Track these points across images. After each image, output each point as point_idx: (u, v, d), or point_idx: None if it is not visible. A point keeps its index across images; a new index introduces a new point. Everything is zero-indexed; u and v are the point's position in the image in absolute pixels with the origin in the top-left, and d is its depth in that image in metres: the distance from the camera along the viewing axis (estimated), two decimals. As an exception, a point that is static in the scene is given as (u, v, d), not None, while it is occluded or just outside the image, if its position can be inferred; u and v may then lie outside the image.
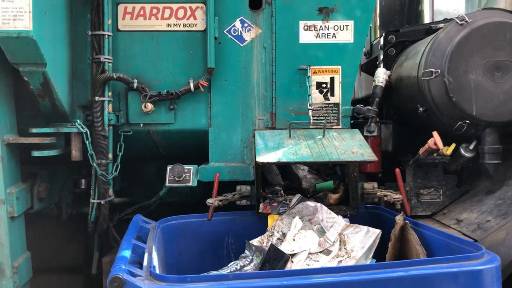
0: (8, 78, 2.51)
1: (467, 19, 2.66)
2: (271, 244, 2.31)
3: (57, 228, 3.37)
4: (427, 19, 4.57)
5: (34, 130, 2.54)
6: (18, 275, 2.56)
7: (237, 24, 2.77)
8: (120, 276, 1.62)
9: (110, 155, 2.74)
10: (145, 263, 1.93)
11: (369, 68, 3.96)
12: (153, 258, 1.94)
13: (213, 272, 2.45)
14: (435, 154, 2.82)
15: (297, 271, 1.84)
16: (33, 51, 2.29)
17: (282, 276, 1.71)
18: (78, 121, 2.62)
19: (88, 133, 2.61)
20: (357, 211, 2.72)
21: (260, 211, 2.69)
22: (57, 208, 3.04)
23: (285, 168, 2.98)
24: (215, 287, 1.64)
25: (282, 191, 2.84)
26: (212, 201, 2.58)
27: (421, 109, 2.84)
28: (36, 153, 2.55)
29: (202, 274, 2.21)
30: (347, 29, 2.77)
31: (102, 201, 2.73)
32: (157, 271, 1.81)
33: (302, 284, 1.67)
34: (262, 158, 2.39)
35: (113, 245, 3.06)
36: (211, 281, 1.68)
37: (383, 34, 3.56)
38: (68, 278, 3.56)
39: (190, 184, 2.78)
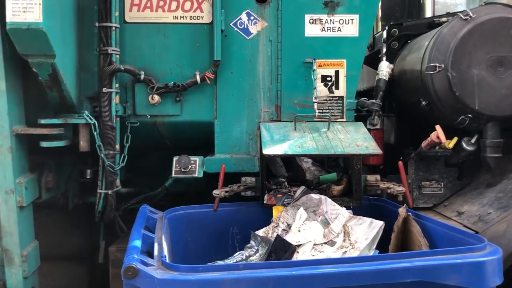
0: (17, 69, 2.53)
1: (471, 14, 2.70)
2: (277, 235, 2.36)
3: (61, 217, 3.41)
4: (428, 12, 4.60)
5: (43, 121, 2.57)
6: (27, 263, 2.60)
7: (243, 17, 2.79)
8: (134, 266, 1.67)
9: (117, 146, 2.77)
10: (155, 252, 1.97)
11: (372, 61, 3.98)
12: (164, 248, 1.98)
13: (219, 262, 2.50)
14: (437, 148, 2.87)
15: (305, 261, 1.90)
16: (43, 42, 2.31)
17: (291, 266, 1.76)
18: (86, 112, 2.65)
19: (96, 124, 2.64)
20: (360, 202, 2.77)
21: (265, 202, 2.74)
22: (63, 198, 3.07)
23: (289, 160, 3.02)
24: (226, 276, 1.69)
25: (286, 183, 2.89)
26: (218, 192, 2.63)
27: (424, 102, 2.88)
28: (44, 144, 2.58)
29: (213, 264, 2.26)
30: (352, 23, 2.80)
31: (110, 191, 2.76)
32: (167, 261, 1.86)
33: (311, 274, 1.72)
34: (268, 150, 2.43)
35: (120, 234, 3.10)
36: (222, 271, 1.72)
37: (386, 27, 3.59)
38: (73, 267, 3.61)
39: (196, 175, 2.81)
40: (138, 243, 1.98)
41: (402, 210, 2.44)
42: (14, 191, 2.50)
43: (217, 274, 1.69)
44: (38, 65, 2.41)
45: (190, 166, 2.82)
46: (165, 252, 1.95)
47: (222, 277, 1.68)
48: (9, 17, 2.23)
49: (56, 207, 3.08)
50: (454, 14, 3.25)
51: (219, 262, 2.50)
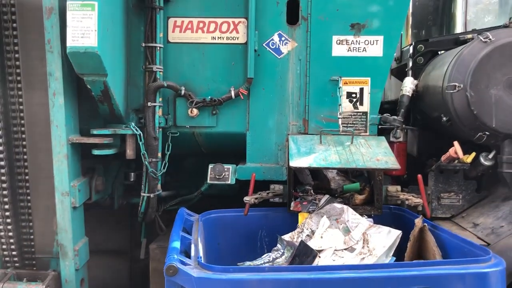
0: (72, 86, 2.85)
1: (490, 37, 2.84)
2: (301, 241, 2.59)
3: (104, 216, 3.74)
4: (459, 24, 4.69)
5: (95, 132, 2.88)
6: (78, 257, 2.92)
7: (275, 38, 3.03)
8: (175, 265, 1.94)
9: (159, 154, 3.06)
10: (192, 253, 2.24)
11: (398, 73, 4.15)
12: (199, 249, 2.25)
13: (248, 262, 2.75)
14: (455, 162, 3.04)
15: (324, 267, 2.13)
16: (97, 63, 2.61)
17: (311, 270, 2.00)
18: (133, 124, 2.95)
19: (141, 134, 2.94)
20: (380, 211, 2.96)
21: (291, 208, 2.97)
22: (110, 198, 3.40)
23: (315, 169, 3.24)
24: (253, 277, 1.94)
25: (312, 191, 3.12)
26: (248, 199, 2.88)
27: (444, 118, 3.04)
28: (96, 152, 2.89)
29: (241, 266, 2.51)
30: (377, 44, 2.99)
31: (152, 195, 3.06)
32: (203, 261, 2.13)
33: (328, 278, 1.95)
34: (295, 163, 2.67)
35: (159, 233, 3.40)
36: (249, 272, 1.98)
37: (413, 43, 3.75)
38: (114, 261, 3.94)
39: (229, 182, 3.08)
40: (177, 244, 2.26)
41: (418, 221, 2.62)
42: (69, 193, 2.82)
43: (245, 275, 1.95)
44: (92, 82, 2.72)
45: (223, 173, 3.08)
46: (201, 253, 2.22)
47: (249, 278, 1.93)
48: (69, 42, 2.54)
49: (102, 207, 3.40)
50: (480, 30, 3.40)
51: (248, 263, 2.75)
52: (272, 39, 3.03)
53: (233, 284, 1.93)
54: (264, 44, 3.03)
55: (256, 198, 2.91)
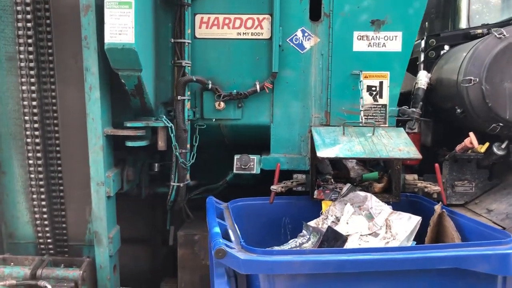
0: (107, 80, 2.96)
1: (504, 33, 3.00)
2: (329, 226, 2.74)
3: (129, 205, 3.86)
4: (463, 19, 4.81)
5: (128, 124, 3.00)
6: (112, 244, 3.06)
7: (299, 33, 3.15)
8: (223, 248, 2.09)
9: (188, 145, 3.20)
10: (232, 238, 2.38)
11: (409, 67, 4.29)
12: (239, 234, 2.40)
13: (275, 247, 2.91)
14: (469, 151, 3.20)
15: (359, 249, 2.29)
16: (133, 59, 2.72)
17: (348, 252, 2.16)
18: (164, 117, 3.07)
19: (172, 127, 3.06)
20: (399, 198, 3.12)
21: (314, 197, 3.13)
22: (137, 188, 3.53)
23: (334, 160, 3.39)
24: (296, 259, 2.08)
25: (332, 180, 3.28)
26: (276, 188, 3.03)
27: (458, 110, 3.20)
28: (129, 143, 3.01)
29: (283, 249, 2.67)
30: (396, 39, 3.13)
31: (181, 184, 3.20)
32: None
33: (364, 259, 2.10)
34: (322, 153, 2.81)
35: (186, 220, 3.55)
36: (292, 254, 2.13)
37: (424, 37, 3.90)
38: (138, 248, 4.08)
39: (254, 171, 3.22)
40: (217, 229, 2.40)
41: (438, 207, 2.79)
42: (104, 183, 2.95)
43: (288, 257, 2.09)
44: (127, 77, 2.83)
45: (249, 164, 3.22)
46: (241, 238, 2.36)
47: (293, 260, 2.07)
48: (107, 39, 2.65)
49: (130, 196, 3.53)
50: (489, 25, 3.55)
51: (275, 248, 2.91)
52: (296, 35, 3.16)
53: (277, 265, 2.07)
54: (287, 40, 3.16)
55: (282, 187, 3.06)
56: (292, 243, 2.93)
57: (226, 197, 3.13)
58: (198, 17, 3.17)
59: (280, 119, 3.24)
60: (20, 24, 2.81)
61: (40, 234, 3.09)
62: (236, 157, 3.23)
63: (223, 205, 3.05)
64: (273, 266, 2.07)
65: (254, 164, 3.23)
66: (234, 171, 3.23)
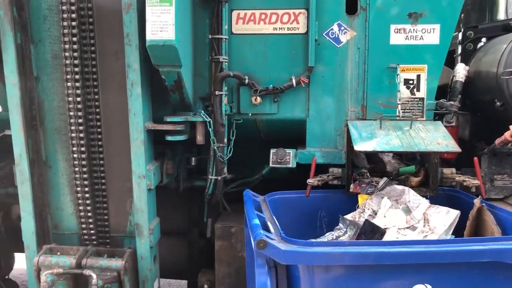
0: (147, 76, 3.05)
1: (546, 24, 2.93)
2: (366, 220, 2.76)
3: (166, 197, 3.96)
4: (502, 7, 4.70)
5: (168, 119, 3.09)
6: (152, 235, 3.16)
7: (335, 27, 3.16)
8: (264, 239, 2.13)
9: (226, 140, 3.26)
10: (271, 230, 2.43)
11: (446, 60, 4.23)
12: (278, 226, 2.44)
13: (312, 240, 2.93)
14: (510, 145, 3.15)
15: (399, 242, 2.30)
16: (173, 55, 2.79)
17: (387, 245, 2.17)
18: (203, 112, 3.15)
19: (211, 121, 3.13)
20: (436, 192, 3.10)
21: (350, 190, 3.14)
22: (176, 181, 3.62)
23: (370, 153, 3.39)
24: (335, 250, 2.11)
25: (368, 173, 3.28)
26: (312, 181, 3.06)
27: (498, 103, 3.14)
28: (169, 138, 3.10)
29: (322, 240, 2.70)
30: (433, 32, 3.10)
31: (219, 178, 3.27)
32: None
33: (404, 252, 2.11)
34: (359, 147, 2.82)
35: (223, 213, 3.62)
36: (331, 246, 2.16)
37: (461, 30, 3.84)
38: (176, 240, 4.17)
39: (290, 165, 3.25)
40: (257, 221, 2.44)
41: (477, 201, 2.76)
42: (145, 176, 3.05)
43: (328, 248, 2.13)
44: (167, 73, 2.91)
45: (285, 157, 3.26)
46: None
47: (332, 251, 2.11)
48: (149, 36, 2.73)
49: (169, 189, 3.62)
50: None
51: (312, 240, 2.94)
52: (332, 29, 3.17)
53: (318, 256, 2.11)
54: (324, 34, 3.17)
55: (319, 180, 3.09)
56: (329, 236, 2.95)
57: (261, 190, 3.18)
58: (235, 13, 3.21)
59: (315, 113, 3.26)
60: (65, 23, 2.92)
61: (83, 226, 3.21)
62: (272, 151, 3.27)
63: (260, 198, 3.10)
64: (313, 257, 2.11)
65: (290, 158, 3.26)
66: (270, 164, 3.27)
